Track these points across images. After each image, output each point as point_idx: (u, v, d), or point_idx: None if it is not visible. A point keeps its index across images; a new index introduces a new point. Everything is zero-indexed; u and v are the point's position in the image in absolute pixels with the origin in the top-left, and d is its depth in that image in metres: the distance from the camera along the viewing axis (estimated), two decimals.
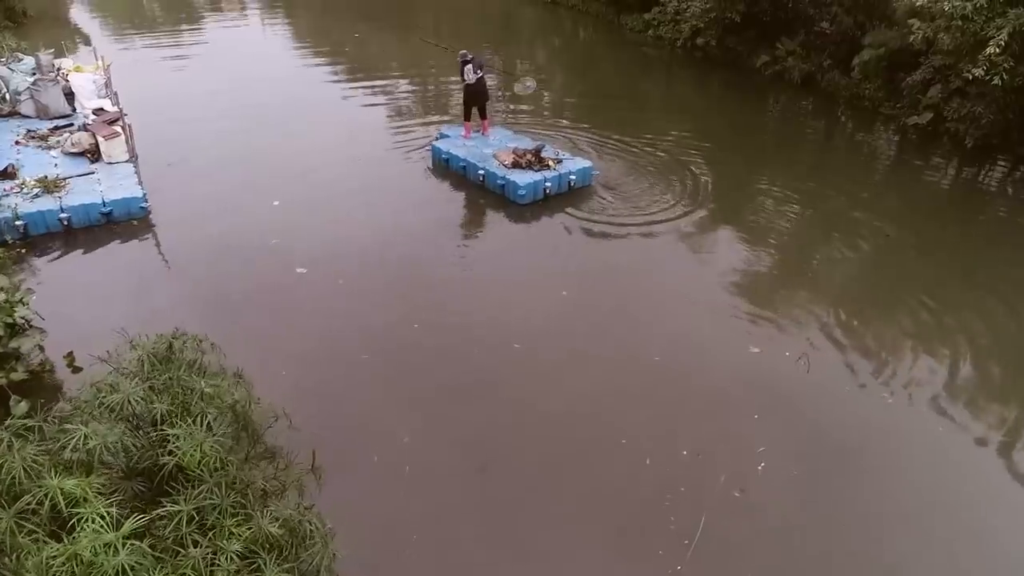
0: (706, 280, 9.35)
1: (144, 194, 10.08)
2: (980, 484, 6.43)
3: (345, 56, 19.66)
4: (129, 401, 4.60)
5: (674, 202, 11.30)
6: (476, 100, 12.07)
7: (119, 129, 10.88)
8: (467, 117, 12.24)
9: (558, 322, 8.16)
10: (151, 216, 10.04)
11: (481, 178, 11.27)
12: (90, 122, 11.39)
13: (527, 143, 11.99)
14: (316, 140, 12.93)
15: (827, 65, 16.37)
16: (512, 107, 15.72)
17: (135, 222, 9.84)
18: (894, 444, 6.74)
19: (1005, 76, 11.07)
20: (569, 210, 10.86)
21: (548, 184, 10.94)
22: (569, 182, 11.21)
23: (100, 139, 10.72)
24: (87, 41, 22.35)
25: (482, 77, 11.86)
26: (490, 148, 11.80)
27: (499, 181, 11.01)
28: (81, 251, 9.20)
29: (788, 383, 7.38)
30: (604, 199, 11.31)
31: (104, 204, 9.67)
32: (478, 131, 12.42)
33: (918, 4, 11.89)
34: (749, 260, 9.84)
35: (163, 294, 8.24)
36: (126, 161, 10.83)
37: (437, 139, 12.47)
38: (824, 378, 7.49)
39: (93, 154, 10.94)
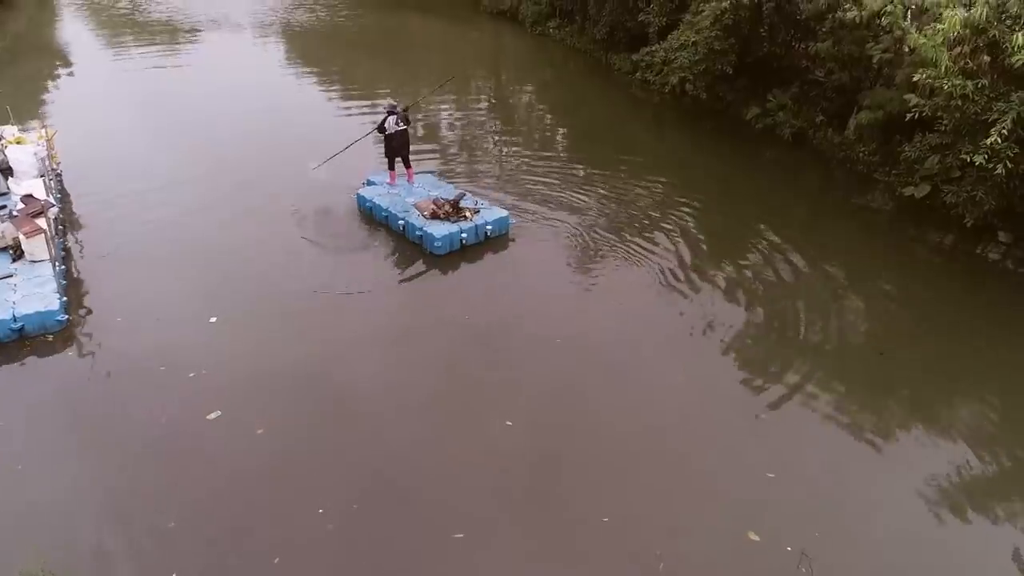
0: (691, 400, 8.39)
1: (63, 302, 9.26)
2: None
3: (328, 95, 19.22)
4: None
5: (655, 278, 10.78)
6: (397, 151, 12.40)
7: (42, 225, 10.05)
8: (391, 166, 12.61)
9: (503, 483, 7.17)
10: (75, 323, 9.27)
11: (402, 228, 11.51)
12: (16, 211, 10.57)
13: (449, 191, 12.29)
14: (270, 223, 12.04)
15: (819, 122, 15.41)
16: (504, 140, 16.41)
17: (50, 337, 9.01)
18: None
19: (1009, 164, 10.11)
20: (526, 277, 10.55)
21: (464, 235, 11.15)
22: (486, 232, 11.40)
23: (21, 236, 9.90)
24: (67, 63, 21.73)
25: (404, 130, 12.19)
26: (413, 197, 12.01)
27: (417, 232, 11.24)
28: None
29: None
30: (572, 264, 11.01)
31: (15, 319, 8.83)
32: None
33: (915, 79, 10.93)
34: (745, 365, 8.96)
35: (57, 446, 7.39)
36: (49, 260, 9.97)
37: (364, 185, 12.63)
38: None
39: (16, 249, 10.12)
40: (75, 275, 10.50)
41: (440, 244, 10.93)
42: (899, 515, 6.97)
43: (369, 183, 12.74)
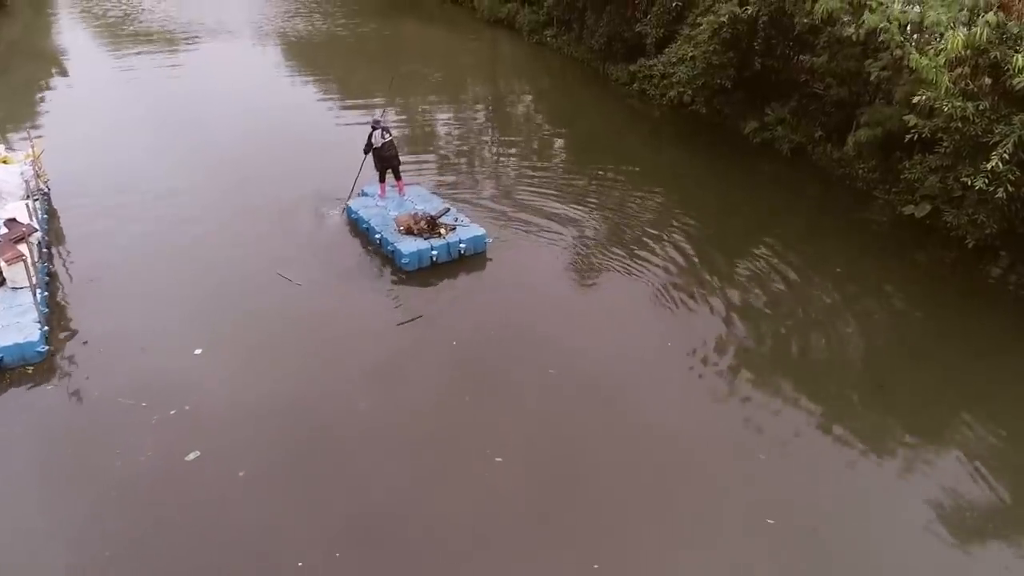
0: (688, 434, 8.19)
1: (44, 332, 9.07)
2: None
3: (327, 103, 19.21)
4: None
5: (649, 297, 10.66)
6: (386, 164, 12.38)
7: (23, 251, 9.85)
8: (381, 179, 12.63)
9: (493, 526, 6.97)
10: (57, 353, 9.08)
11: (379, 242, 11.50)
12: None
13: (436, 204, 12.16)
14: (267, 237, 11.91)
15: (819, 137, 15.19)
16: (501, 150, 16.43)
17: (30, 369, 8.83)
18: None
19: (1010, 187, 9.88)
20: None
21: (435, 253, 11.00)
22: (459, 250, 11.21)
23: (1, 263, 9.72)
24: (62, 69, 21.59)
25: (390, 141, 12.16)
26: (399, 210, 11.96)
27: (389, 248, 11.22)
28: None
29: None
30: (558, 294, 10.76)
31: None
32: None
33: (915, 101, 10.69)
34: (743, 395, 8.75)
35: (28, 488, 7.21)
36: (30, 287, 9.76)
37: (360, 195, 12.73)
38: None
39: None
40: (60, 300, 10.33)
41: (408, 261, 10.82)
42: (904, 561, 6.76)
43: (363, 194, 12.76)
